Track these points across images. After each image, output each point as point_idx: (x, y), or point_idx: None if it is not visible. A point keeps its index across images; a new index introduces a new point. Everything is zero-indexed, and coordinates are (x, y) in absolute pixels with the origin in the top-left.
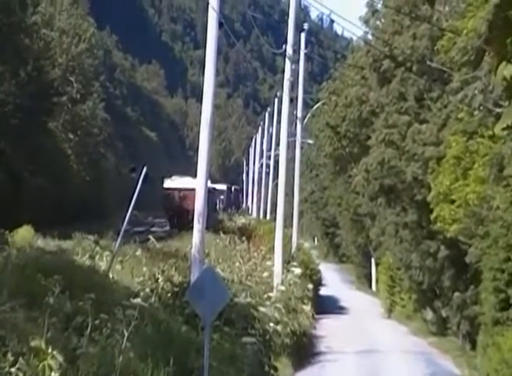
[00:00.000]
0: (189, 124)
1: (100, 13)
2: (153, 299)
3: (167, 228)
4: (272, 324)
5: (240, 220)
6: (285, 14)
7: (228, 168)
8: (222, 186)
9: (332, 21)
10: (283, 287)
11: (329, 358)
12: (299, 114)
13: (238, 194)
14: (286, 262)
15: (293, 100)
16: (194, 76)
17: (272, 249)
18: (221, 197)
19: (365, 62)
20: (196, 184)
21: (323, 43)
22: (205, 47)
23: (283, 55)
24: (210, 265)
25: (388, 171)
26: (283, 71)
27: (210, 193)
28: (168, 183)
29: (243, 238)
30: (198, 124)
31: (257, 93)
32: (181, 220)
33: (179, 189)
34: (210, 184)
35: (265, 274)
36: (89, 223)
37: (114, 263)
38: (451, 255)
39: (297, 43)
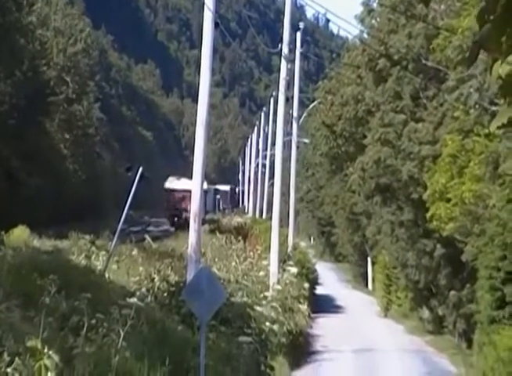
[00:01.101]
0: (184, 124)
1: (96, 13)
2: (149, 299)
3: (164, 227)
4: (268, 323)
5: (236, 219)
6: (281, 13)
7: (224, 168)
8: (225, 187)
9: (328, 20)
10: (279, 287)
11: (325, 357)
12: (295, 113)
13: (241, 195)
14: (283, 262)
15: (289, 99)
16: (190, 75)
17: (268, 248)
18: (218, 196)
19: (361, 61)
20: (192, 184)
21: (319, 42)
22: (201, 47)
23: (279, 54)
24: (206, 265)
25: (384, 169)
26: (279, 70)
27: (209, 193)
28: (168, 184)
29: (239, 237)
30: (194, 123)
31: (253, 92)
32: (179, 219)
33: (178, 190)
34: (210, 185)
35: (261, 273)
36: (85, 223)
37: (110, 263)
38: (447, 254)
39: (292, 42)
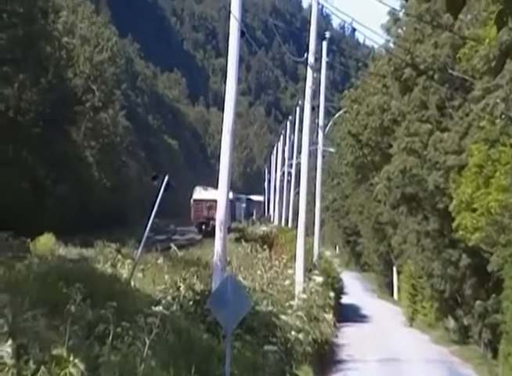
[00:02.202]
0: (210, 133)
1: (122, 21)
2: (174, 307)
3: (190, 236)
4: (293, 332)
5: (262, 228)
6: (307, 22)
7: (250, 176)
8: (259, 198)
9: (354, 29)
10: (304, 296)
11: (350, 366)
12: (321, 123)
13: (267, 204)
14: (308, 271)
15: (314, 108)
16: (216, 84)
17: (293, 257)
18: (243, 205)
19: (387, 70)
20: (218, 193)
21: (345, 51)
22: (227, 55)
23: (305, 63)
24: (231, 274)
25: (410, 179)
26: (305, 79)
27: (239, 203)
28: (196, 195)
29: (265, 246)
30: (220, 132)
31: (279, 101)
32: (207, 227)
33: (206, 200)
34: (237, 194)
35: (287, 282)
36: (111, 231)
37: (136, 271)
38: (473, 264)
39: (318, 51)
